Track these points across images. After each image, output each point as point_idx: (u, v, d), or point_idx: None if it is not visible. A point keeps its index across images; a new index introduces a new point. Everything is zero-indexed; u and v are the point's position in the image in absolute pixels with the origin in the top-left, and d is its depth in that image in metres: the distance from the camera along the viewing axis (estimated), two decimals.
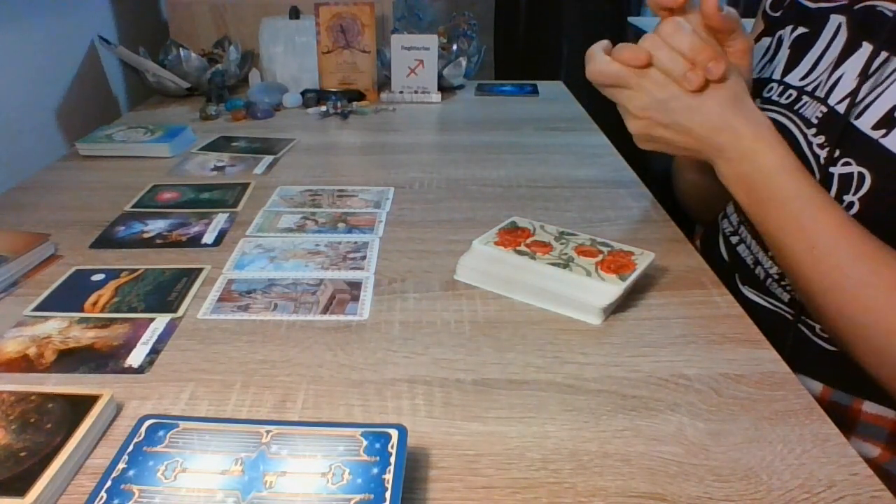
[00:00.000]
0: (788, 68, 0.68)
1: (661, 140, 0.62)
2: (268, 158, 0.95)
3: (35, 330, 0.54)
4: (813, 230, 0.55)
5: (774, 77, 0.69)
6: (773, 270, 0.65)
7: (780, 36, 0.71)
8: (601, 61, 0.61)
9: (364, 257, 0.66)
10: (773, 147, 0.57)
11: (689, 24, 0.59)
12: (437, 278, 0.63)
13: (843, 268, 0.53)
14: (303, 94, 1.23)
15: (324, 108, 1.17)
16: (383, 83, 1.32)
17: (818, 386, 0.62)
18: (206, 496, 0.36)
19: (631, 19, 2.42)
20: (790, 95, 0.66)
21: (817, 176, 0.59)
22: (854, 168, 0.57)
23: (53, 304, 0.58)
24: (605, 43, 0.63)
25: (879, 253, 0.53)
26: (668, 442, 0.43)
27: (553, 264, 0.58)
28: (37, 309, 0.57)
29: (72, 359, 0.51)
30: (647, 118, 0.61)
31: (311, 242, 0.69)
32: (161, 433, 0.40)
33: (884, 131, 0.56)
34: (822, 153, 0.60)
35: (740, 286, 0.70)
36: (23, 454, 0.40)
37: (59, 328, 0.54)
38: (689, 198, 0.83)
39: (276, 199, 0.80)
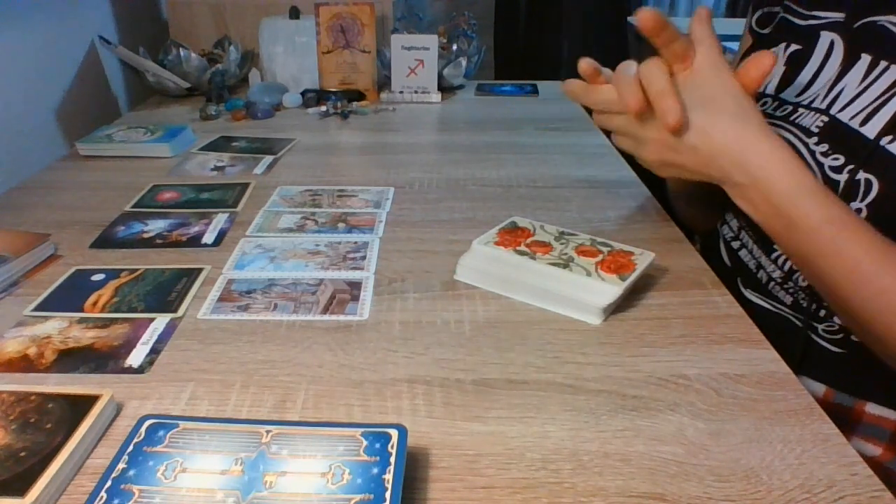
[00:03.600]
0: (783, 84, 0.67)
1: (676, 164, 0.60)
2: (268, 158, 0.95)
3: (35, 330, 0.54)
4: (851, 253, 0.52)
5: (768, 92, 0.69)
6: (776, 274, 0.65)
7: (774, 53, 0.71)
8: (604, 90, 0.62)
9: (364, 257, 0.66)
10: (788, 168, 0.54)
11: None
12: (437, 278, 0.63)
13: (890, 292, 0.50)
14: (303, 94, 1.23)
15: (324, 108, 1.17)
16: (383, 83, 1.32)
17: (821, 388, 0.62)
18: (206, 496, 0.36)
19: (631, 19, 2.42)
20: (785, 109, 0.66)
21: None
22: (861, 175, 0.57)
23: (53, 304, 0.58)
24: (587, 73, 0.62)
25: None
26: (668, 442, 0.43)
27: (553, 264, 0.58)
28: (37, 309, 0.57)
29: (72, 359, 0.51)
30: (656, 141, 0.60)
31: (311, 242, 0.69)
32: (161, 433, 0.40)
33: (890, 137, 0.55)
34: (827, 161, 0.60)
35: (743, 290, 0.70)
36: (23, 454, 0.40)
37: (59, 328, 0.54)
38: (685, 216, 0.83)
39: (276, 199, 0.80)
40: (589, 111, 0.66)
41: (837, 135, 0.59)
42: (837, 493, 0.39)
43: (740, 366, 0.51)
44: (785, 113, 0.66)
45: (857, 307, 0.53)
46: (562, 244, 0.62)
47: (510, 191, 0.84)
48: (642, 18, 0.58)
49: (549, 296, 0.57)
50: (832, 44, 0.64)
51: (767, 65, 0.57)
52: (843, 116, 0.59)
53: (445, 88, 1.33)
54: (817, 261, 0.54)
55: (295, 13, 1.28)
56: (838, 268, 0.53)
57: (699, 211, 0.79)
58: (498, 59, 2.56)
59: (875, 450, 0.61)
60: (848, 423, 0.61)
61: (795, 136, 0.63)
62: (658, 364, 0.51)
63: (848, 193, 0.57)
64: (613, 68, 0.61)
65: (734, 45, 1.69)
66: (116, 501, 0.36)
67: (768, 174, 0.55)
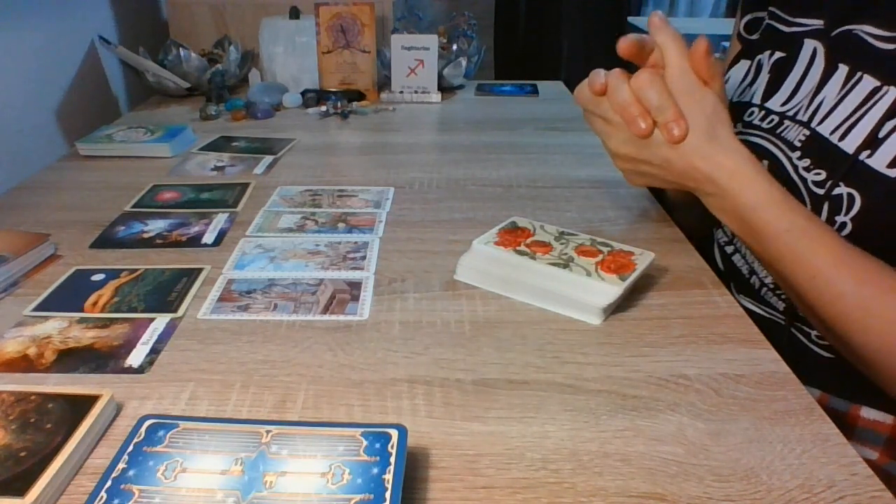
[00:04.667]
0: (769, 93, 0.67)
1: (648, 175, 0.62)
2: (268, 158, 0.95)
3: (35, 330, 0.54)
4: (811, 261, 0.53)
5: (755, 102, 0.69)
6: (768, 280, 0.65)
7: (760, 60, 0.70)
8: (583, 86, 0.62)
9: (364, 257, 0.66)
10: (754, 180, 0.56)
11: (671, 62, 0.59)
12: (437, 278, 0.63)
13: (847, 297, 0.52)
14: (303, 94, 1.23)
15: (324, 108, 1.17)
16: (383, 83, 1.32)
17: (815, 393, 0.62)
18: (206, 496, 0.36)
19: (631, 19, 2.42)
20: (772, 120, 0.66)
21: (806, 200, 0.59)
22: (843, 189, 0.57)
23: (53, 304, 0.58)
24: (600, 71, 0.62)
25: (881, 277, 0.52)
26: (668, 442, 0.43)
27: (553, 264, 0.58)
28: (37, 309, 0.57)
29: (72, 359, 0.51)
30: (627, 154, 0.61)
31: (311, 242, 0.69)
32: (161, 433, 0.40)
33: (869, 151, 0.56)
34: (809, 176, 0.60)
35: (735, 295, 0.70)
36: (23, 454, 0.40)
37: (59, 328, 0.54)
38: (682, 222, 0.83)
39: (276, 199, 0.80)
40: None
41: (818, 149, 0.60)
42: (837, 493, 0.39)
43: (740, 366, 0.51)
44: (771, 125, 0.66)
45: (819, 312, 0.54)
46: (562, 244, 0.62)
47: (510, 191, 0.84)
48: (621, 48, 0.60)
49: (549, 296, 0.57)
50: (814, 52, 0.64)
51: (701, 48, 0.58)
52: (824, 130, 0.60)
53: (445, 88, 1.33)
54: (782, 267, 0.56)
55: (295, 13, 1.28)
56: (800, 273, 0.54)
57: (697, 217, 0.79)
58: (498, 59, 2.56)
59: (871, 454, 0.61)
60: (843, 428, 0.61)
61: (780, 149, 0.64)
62: (658, 364, 0.51)
63: (832, 208, 0.57)
64: (614, 68, 0.61)
65: None
66: (116, 501, 0.36)
67: (735, 186, 0.56)
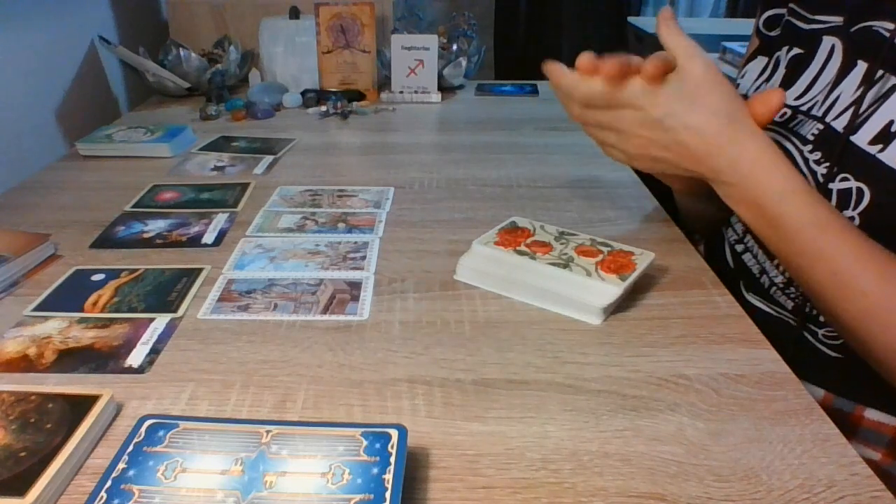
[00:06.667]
0: (784, 88, 0.67)
1: (662, 161, 0.60)
2: (268, 158, 0.95)
3: (35, 330, 0.54)
4: (833, 256, 0.52)
5: None
6: (778, 280, 0.65)
7: (778, 57, 0.70)
8: (597, 82, 0.60)
9: (364, 257, 0.66)
10: (777, 167, 0.55)
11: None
12: (437, 278, 0.63)
13: (870, 294, 0.51)
14: (303, 94, 1.23)
15: (324, 108, 1.17)
16: (383, 83, 1.32)
17: (820, 392, 0.62)
18: (206, 496, 0.36)
19: (631, 19, 2.42)
20: (784, 114, 0.66)
21: None
22: (853, 183, 0.56)
23: (53, 304, 0.58)
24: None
25: None
26: (668, 442, 0.43)
27: (553, 264, 0.58)
28: (37, 309, 0.57)
29: (72, 359, 0.51)
30: (645, 136, 0.59)
31: (311, 242, 0.69)
32: (161, 433, 0.40)
33: (881, 146, 0.55)
34: (819, 169, 0.60)
35: (745, 293, 0.70)
36: (23, 454, 0.40)
37: (59, 328, 0.54)
38: (690, 221, 0.82)
39: (276, 199, 0.80)
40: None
41: (830, 143, 0.59)
42: (837, 493, 0.39)
43: (740, 366, 0.51)
44: (784, 119, 0.66)
45: (840, 310, 0.53)
46: (562, 244, 0.62)
47: (510, 191, 0.84)
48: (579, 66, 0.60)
49: (549, 296, 0.57)
50: (833, 48, 0.64)
51: (775, 103, 0.57)
52: (837, 125, 0.59)
53: (445, 88, 1.33)
54: (801, 261, 0.54)
55: (295, 13, 1.28)
56: (821, 269, 0.53)
57: (706, 208, 0.79)
58: (498, 59, 2.56)
59: (874, 454, 0.61)
60: (847, 428, 0.61)
61: (792, 143, 0.63)
62: (658, 364, 0.51)
63: (841, 202, 0.57)
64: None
65: (734, 45, 1.69)
66: (116, 501, 0.36)
67: (757, 173, 0.55)
